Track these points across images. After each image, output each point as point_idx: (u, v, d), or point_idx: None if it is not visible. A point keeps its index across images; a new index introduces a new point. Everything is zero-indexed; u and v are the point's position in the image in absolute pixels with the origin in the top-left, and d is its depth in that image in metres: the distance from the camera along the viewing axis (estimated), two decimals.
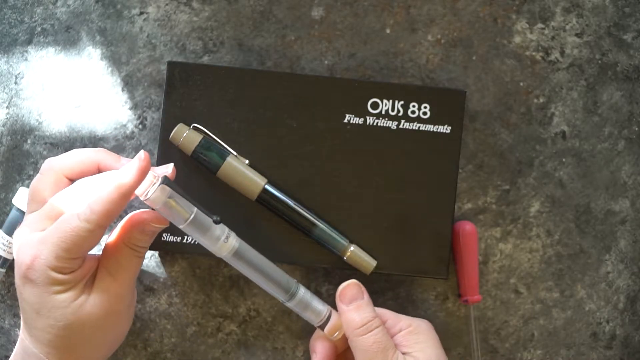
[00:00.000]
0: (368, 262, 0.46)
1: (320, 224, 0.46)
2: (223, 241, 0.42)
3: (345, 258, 0.46)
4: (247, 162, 0.46)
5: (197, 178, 0.46)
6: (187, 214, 0.41)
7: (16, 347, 0.43)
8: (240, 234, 0.43)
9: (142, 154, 0.40)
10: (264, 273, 0.43)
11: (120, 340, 0.46)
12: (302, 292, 0.44)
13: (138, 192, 0.40)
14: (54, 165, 0.43)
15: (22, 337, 0.42)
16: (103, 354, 0.44)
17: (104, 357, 0.44)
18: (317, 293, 0.50)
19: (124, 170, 0.40)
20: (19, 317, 0.50)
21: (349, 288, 0.44)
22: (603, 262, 0.51)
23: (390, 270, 0.47)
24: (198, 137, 0.45)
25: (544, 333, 0.51)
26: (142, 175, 0.39)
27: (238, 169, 0.46)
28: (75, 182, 0.42)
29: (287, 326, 0.51)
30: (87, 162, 0.43)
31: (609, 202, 0.51)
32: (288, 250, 0.44)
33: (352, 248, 0.46)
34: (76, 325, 0.40)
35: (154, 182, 0.40)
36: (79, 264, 0.40)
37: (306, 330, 0.50)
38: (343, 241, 0.46)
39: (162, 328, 0.50)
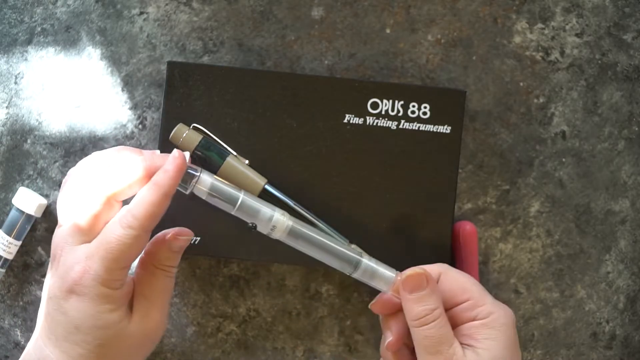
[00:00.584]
0: None
1: (320, 224, 0.46)
2: (272, 226, 0.42)
3: None
4: (247, 162, 0.46)
5: None
6: (234, 201, 0.42)
7: (27, 352, 0.41)
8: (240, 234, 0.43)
9: (175, 152, 0.40)
10: (323, 249, 0.43)
11: (144, 358, 0.45)
12: (366, 260, 0.43)
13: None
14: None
15: (41, 345, 0.40)
16: None
17: None
18: (317, 293, 0.50)
19: (162, 170, 0.40)
20: (19, 317, 0.50)
21: (413, 278, 0.41)
22: (603, 262, 0.51)
23: None
24: (198, 137, 0.45)
25: (544, 333, 0.51)
26: (180, 172, 0.40)
27: (238, 169, 0.46)
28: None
29: (287, 326, 0.50)
30: None
31: (609, 202, 0.51)
32: (288, 250, 0.44)
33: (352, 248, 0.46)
34: (112, 345, 0.40)
35: (195, 176, 0.41)
36: (126, 276, 0.40)
37: (306, 331, 0.50)
38: (343, 241, 0.46)
39: None
